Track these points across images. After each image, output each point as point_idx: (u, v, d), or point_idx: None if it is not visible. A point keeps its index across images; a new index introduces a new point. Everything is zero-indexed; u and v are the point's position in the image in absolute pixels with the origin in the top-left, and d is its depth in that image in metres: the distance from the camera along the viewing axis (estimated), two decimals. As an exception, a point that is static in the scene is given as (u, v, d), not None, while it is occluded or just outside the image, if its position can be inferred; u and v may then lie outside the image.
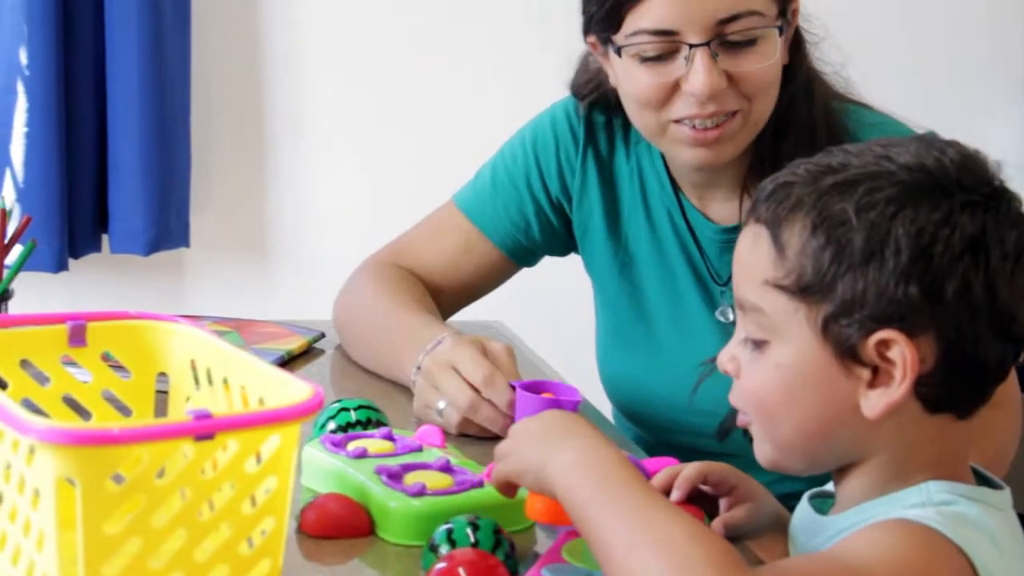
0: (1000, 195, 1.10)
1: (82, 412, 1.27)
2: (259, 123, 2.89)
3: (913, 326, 1.08)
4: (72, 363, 1.27)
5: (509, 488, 1.21)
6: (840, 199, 1.09)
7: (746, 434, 1.20)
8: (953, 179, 1.09)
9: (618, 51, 1.52)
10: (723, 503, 1.30)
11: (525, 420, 1.22)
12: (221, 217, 2.89)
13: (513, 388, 1.46)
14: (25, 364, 1.25)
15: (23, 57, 2.62)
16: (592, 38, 1.58)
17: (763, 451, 1.16)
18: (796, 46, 1.59)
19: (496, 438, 1.45)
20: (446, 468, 1.31)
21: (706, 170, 1.61)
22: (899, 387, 1.08)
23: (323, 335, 1.81)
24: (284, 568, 1.12)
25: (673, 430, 1.69)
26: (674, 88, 1.51)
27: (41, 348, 1.25)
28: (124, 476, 1.04)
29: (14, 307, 1.48)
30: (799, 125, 1.57)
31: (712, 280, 1.66)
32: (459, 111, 2.88)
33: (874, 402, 1.10)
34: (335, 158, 2.91)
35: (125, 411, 1.29)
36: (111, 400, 1.28)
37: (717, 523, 1.28)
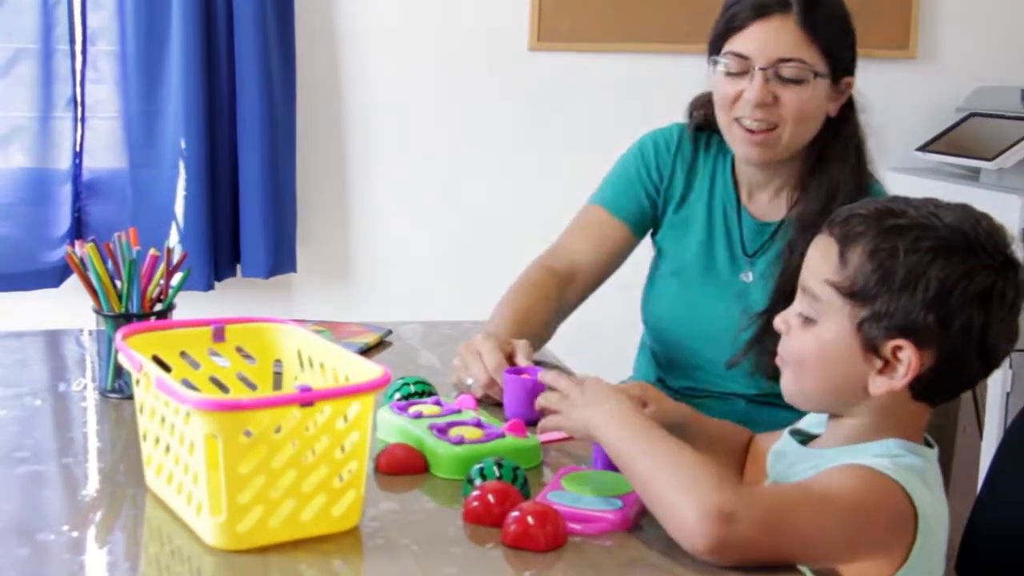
0: (1011, 263, 1.09)
1: (223, 388, 1.26)
2: (344, 189, 2.86)
3: (922, 341, 1.07)
4: (216, 353, 1.26)
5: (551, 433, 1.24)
6: (895, 238, 1.08)
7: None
8: (980, 244, 1.08)
9: (715, 63, 1.59)
10: None
11: (572, 389, 1.21)
12: (318, 252, 2.86)
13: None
14: (183, 354, 1.25)
15: (183, 144, 2.61)
16: (710, 61, 1.63)
17: (788, 388, 1.16)
18: (849, 108, 1.61)
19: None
20: (478, 424, 1.29)
21: (754, 166, 1.63)
22: (901, 379, 1.08)
23: (390, 332, 1.79)
24: (365, 496, 1.10)
25: (693, 355, 1.67)
26: (739, 96, 1.57)
27: (194, 343, 1.25)
28: (252, 432, 1.03)
29: (176, 315, 1.46)
30: (844, 166, 1.59)
31: (743, 252, 1.66)
32: (493, 185, 2.86)
33: (879, 384, 1.09)
34: (399, 213, 2.88)
35: (252, 387, 1.28)
36: (243, 379, 1.28)
37: None
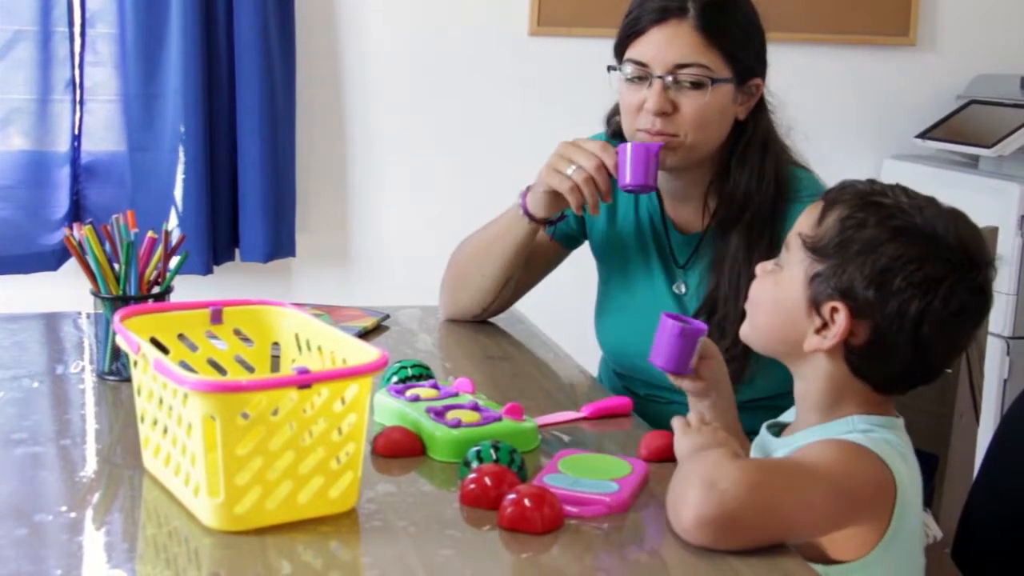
0: (975, 265, 1.10)
1: (220, 370, 1.27)
2: (343, 174, 2.86)
3: (858, 310, 1.09)
4: (214, 336, 1.26)
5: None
6: (868, 211, 1.11)
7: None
8: (947, 242, 1.09)
9: (618, 69, 1.56)
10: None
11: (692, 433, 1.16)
12: (317, 236, 2.86)
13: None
14: (181, 337, 1.25)
15: (182, 128, 2.61)
16: (615, 71, 1.59)
17: (743, 329, 1.21)
18: (759, 109, 1.57)
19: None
20: (475, 407, 1.29)
21: (663, 171, 1.57)
22: (830, 340, 1.11)
23: (388, 316, 1.79)
24: (362, 478, 1.11)
25: (648, 371, 1.63)
26: (641, 105, 1.53)
27: (192, 325, 1.25)
28: (250, 414, 1.04)
29: (174, 298, 1.46)
30: (752, 170, 1.55)
31: (675, 264, 1.63)
32: (492, 169, 2.85)
33: (812, 342, 1.12)
34: (399, 198, 2.88)
35: (250, 369, 1.28)
36: (240, 362, 1.28)
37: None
